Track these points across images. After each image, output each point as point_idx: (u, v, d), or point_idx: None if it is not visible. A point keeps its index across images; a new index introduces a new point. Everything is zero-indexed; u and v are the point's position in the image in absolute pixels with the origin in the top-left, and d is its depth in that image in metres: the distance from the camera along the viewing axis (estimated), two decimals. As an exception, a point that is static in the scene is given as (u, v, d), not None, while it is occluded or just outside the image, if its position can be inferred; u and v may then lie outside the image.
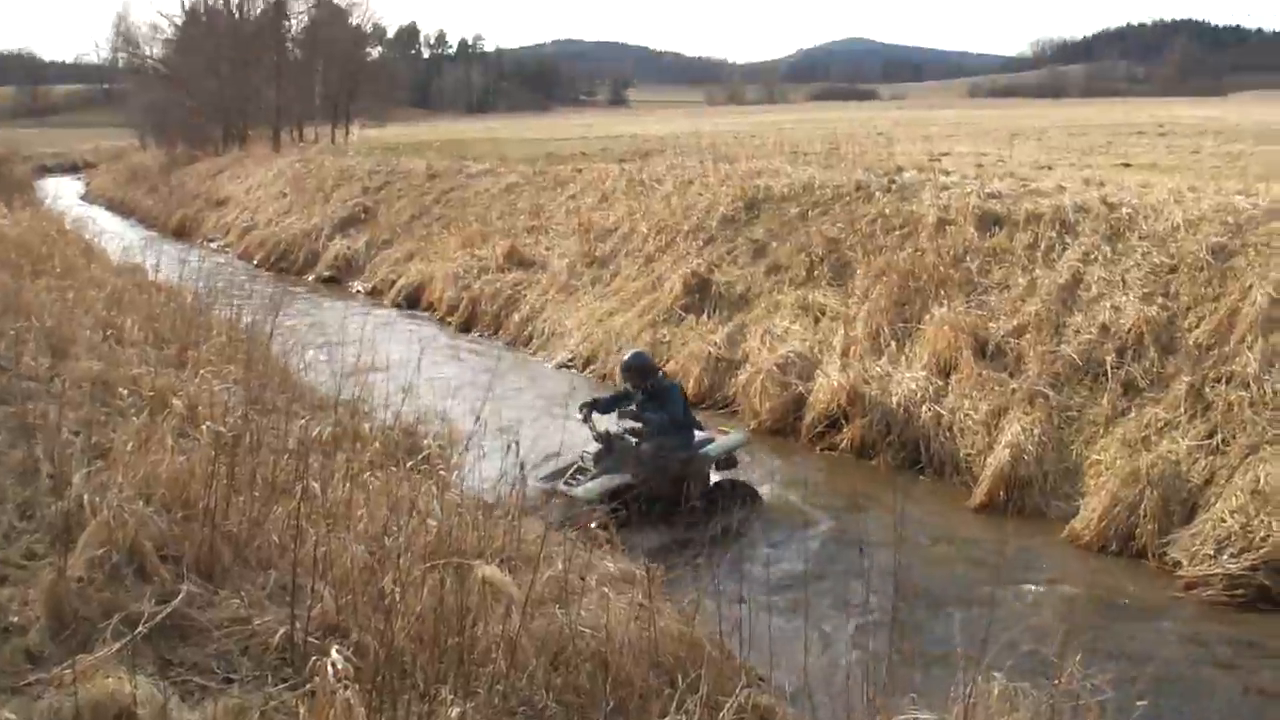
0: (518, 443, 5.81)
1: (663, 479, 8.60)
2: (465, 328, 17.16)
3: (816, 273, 13.47)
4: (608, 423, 8.98)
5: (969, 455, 9.91)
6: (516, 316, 16.44)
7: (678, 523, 8.14)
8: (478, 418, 6.63)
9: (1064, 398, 9.89)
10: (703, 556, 5.89)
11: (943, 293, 11.73)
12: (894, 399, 10.67)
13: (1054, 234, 11.93)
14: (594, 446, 8.79)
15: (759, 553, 8.21)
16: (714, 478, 9.22)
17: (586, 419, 8.90)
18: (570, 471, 8.73)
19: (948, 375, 10.77)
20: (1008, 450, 9.40)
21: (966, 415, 10.19)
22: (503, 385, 12.53)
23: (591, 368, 14.10)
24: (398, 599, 4.29)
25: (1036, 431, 9.54)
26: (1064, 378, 10.08)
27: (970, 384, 10.46)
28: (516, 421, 8.56)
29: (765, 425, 11.29)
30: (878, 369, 11.22)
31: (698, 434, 9.20)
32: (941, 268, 12.16)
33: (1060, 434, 9.61)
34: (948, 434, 10.17)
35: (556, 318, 15.75)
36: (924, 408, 10.44)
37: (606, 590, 5.24)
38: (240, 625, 4.33)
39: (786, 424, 11.29)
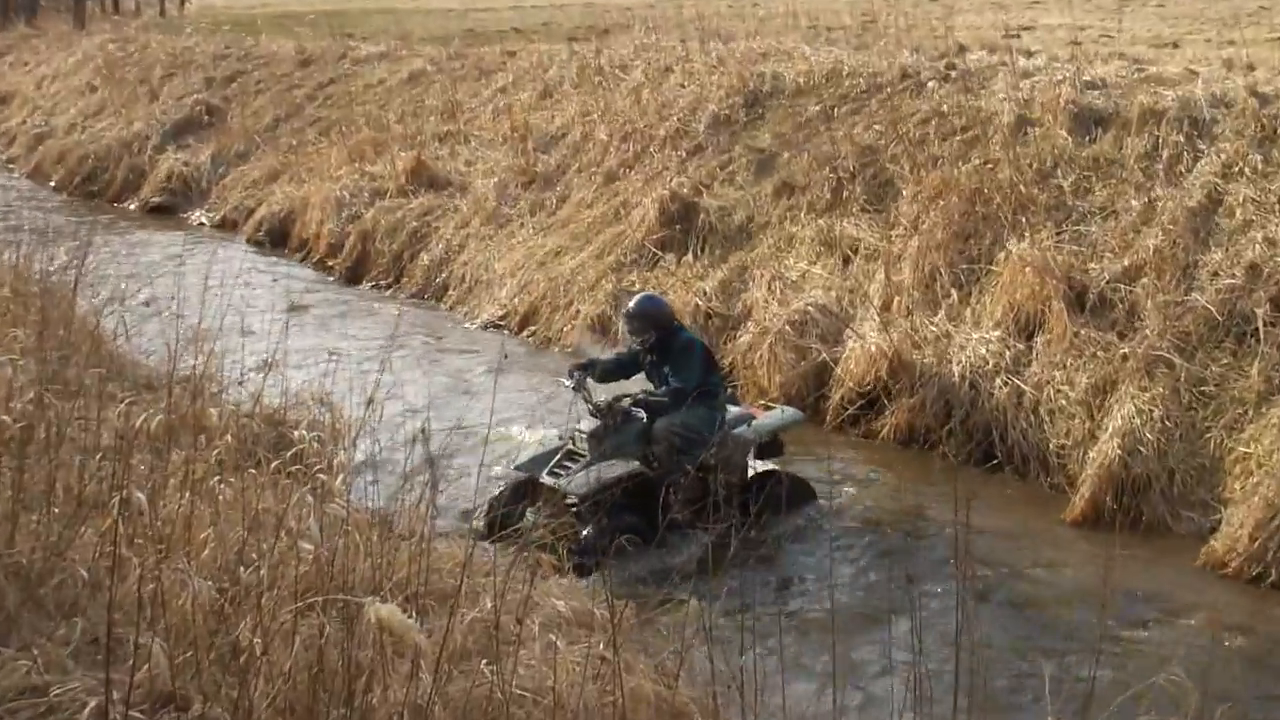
0: (425, 433, 5.77)
1: (681, 467, 8.56)
2: (354, 275, 17.10)
3: (846, 194, 13.46)
4: (608, 393, 9.01)
5: (1062, 447, 9.96)
6: (426, 258, 16.39)
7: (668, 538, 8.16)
8: (370, 400, 6.59)
9: (1196, 367, 9.92)
10: (691, 588, 5.88)
11: (1023, 221, 11.75)
12: (956, 369, 10.72)
13: (1181, 138, 11.96)
14: (589, 423, 8.84)
15: (771, 582, 8.24)
16: (753, 467, 9.35)
17: (579, 386, 8.99)
18: (557, 457, 8.81)
19: (1031, 336, 10.82)
20: (1117, 440, 9.44)
21: (1058, 391, 10.23)
22: (406, 355, 12.55)
23: (530, 328, 14.11)
24: (258, 654, 4.27)
25: (1158, 414, 9.57)
26: (1196, 339, 10.11)
27: (1063, 348, 10.50)
28: (425, 405, 8.54)
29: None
30: (932, 328, 11.26)
31: (731, 409, 9.29)
32: (1021, 186, 12.17)
33: (1191, 417, 9.65)
34: (1032, 417, 10.22)
35: (482, 260, 15.69)
36: (998, 381, 10.49)
37: (554, 638, 5.25)
38: (33, 696, 4.29)
39: (805, 403, 11.26)
